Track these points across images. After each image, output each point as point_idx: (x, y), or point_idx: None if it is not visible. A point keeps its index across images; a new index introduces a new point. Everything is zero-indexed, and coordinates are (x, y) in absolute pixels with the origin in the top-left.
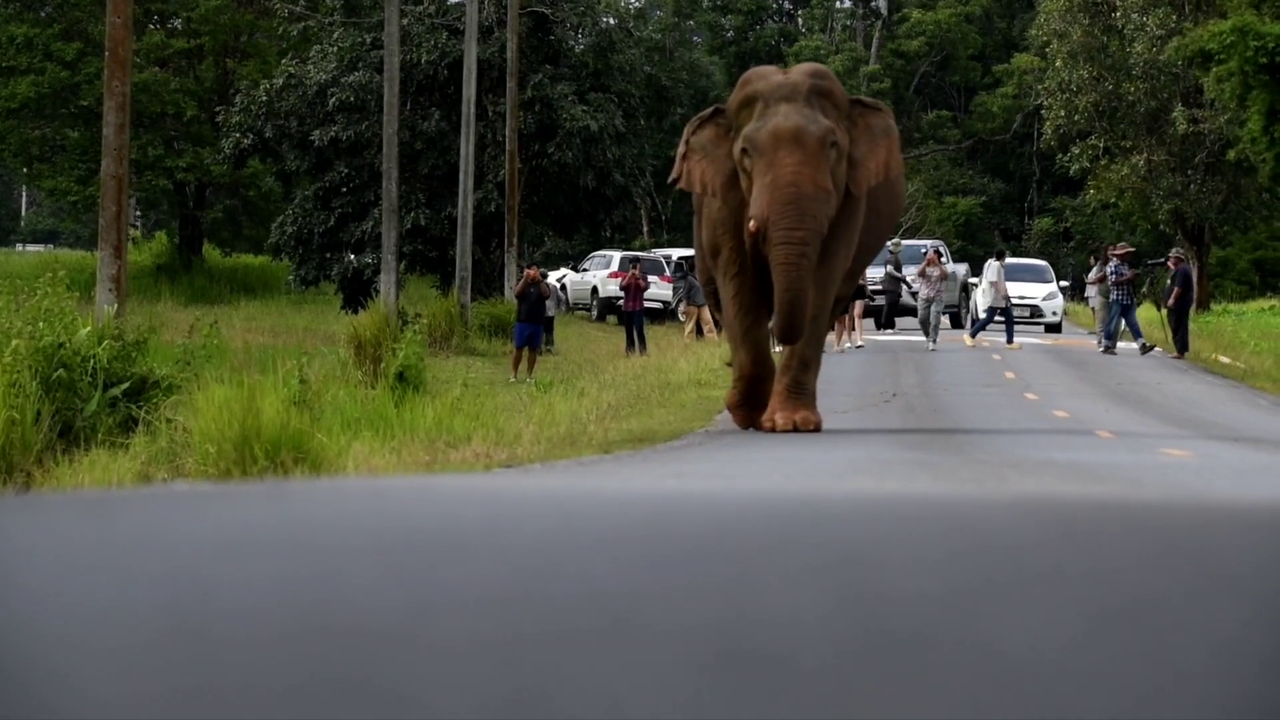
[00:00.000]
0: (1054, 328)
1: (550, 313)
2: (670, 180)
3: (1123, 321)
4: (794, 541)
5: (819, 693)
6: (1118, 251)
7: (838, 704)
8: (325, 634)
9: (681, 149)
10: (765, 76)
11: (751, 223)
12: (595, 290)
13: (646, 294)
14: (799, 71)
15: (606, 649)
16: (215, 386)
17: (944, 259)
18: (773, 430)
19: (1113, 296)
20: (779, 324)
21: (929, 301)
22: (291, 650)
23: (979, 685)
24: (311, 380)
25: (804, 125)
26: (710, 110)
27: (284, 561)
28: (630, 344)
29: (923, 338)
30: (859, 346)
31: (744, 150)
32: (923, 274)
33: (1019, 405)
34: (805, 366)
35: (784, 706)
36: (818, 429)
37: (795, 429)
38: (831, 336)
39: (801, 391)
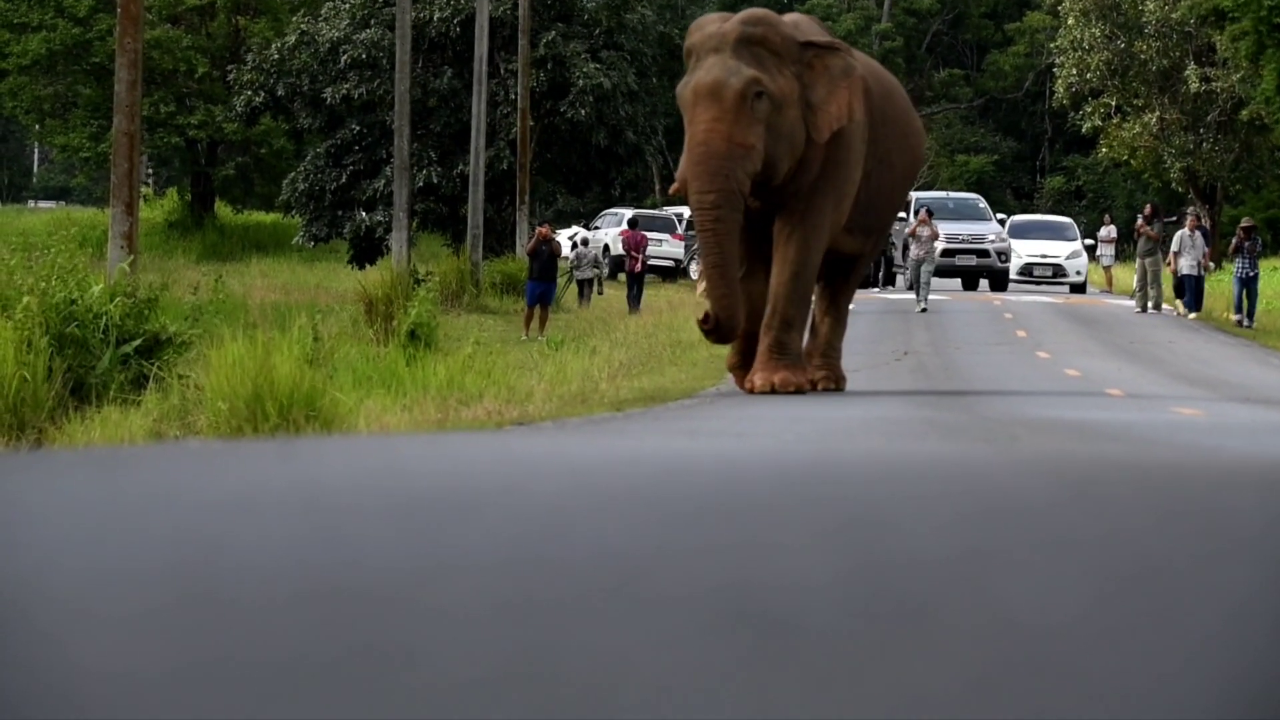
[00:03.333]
0: (1078, 288)
1: (588, 275)
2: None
3: (1243, 290)
4: (804, 502)
5: (828, 656)
6: (1244, 225)
7: (846, 667)
8: (335, 595)
9: None
10: (702, 27)
11: (674, 185)
12: (607, 248)
13: (660, 252)
14: (733, 20)
15: (615, 610)
16: (228, 343)
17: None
18: (751, 392)
19: (1238, 269)
20: (708, 283)
21: (919, 261)
22: (300, 613)
23: (988, 649)
24: (324, 338)
25: (722, 78)
26: None
27: (295, 521)
28: (635, 303)
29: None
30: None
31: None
32: (914, 234)
33: (1030, 364)
34: (788, 326)
35: (792, 669)
36: (799, 390)
37: (773, 390)
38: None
39: (783, 351)
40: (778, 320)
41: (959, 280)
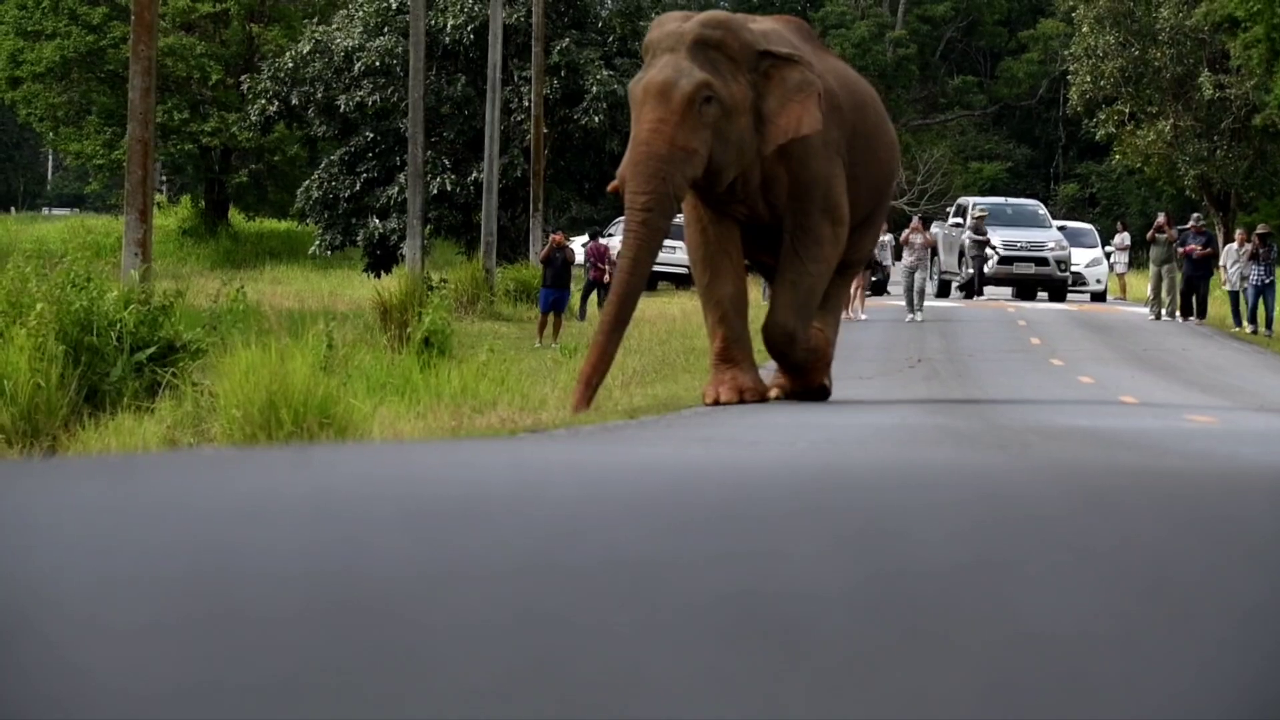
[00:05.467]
0: (1098, 296)
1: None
2: None
3: (1258, 297)
4: (819, 510)
5: (842, 663)
6: (1260, 232)
7: (860, 674)
8: (348, 603)
9: None
10: (663, 24)
11: (613, 182)
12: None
13: (673, 260)
14: (693, 20)
15: (629, 617)
16: (242, 350)
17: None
18: (741, 400)
19: (1254, 277)
20: (609, 298)
21: (912, 270)
22: (314, 620)
23: (1002, 656)
24: (338, 345)
25: (674, 79)
26: None
27: (309, 529)
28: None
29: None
30: (861, 319)
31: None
32: (905, 241)
33: (1044, 371)
34: (790, 340)
35: (806, 676)
36: (785, 393)
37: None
38: None
39: (779, 360)
40: (780, 334)
41: (1011, 289)
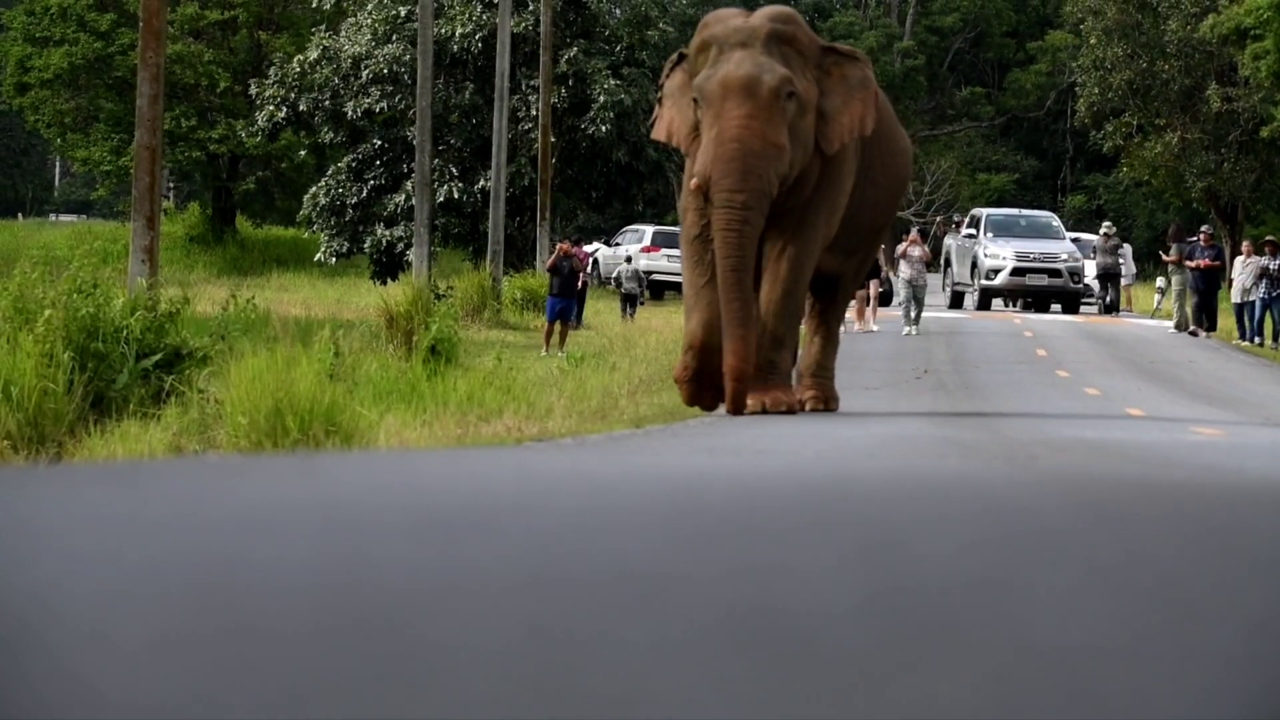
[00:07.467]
0: (1108, 308)
1: (634, 289)
2: (648, 131)
3: (1265, 312)
4: (825, 522)
5: (848, 677)
6: (1267, 243)
7: (867, 688)
8: (354, 614)
9: (659, 95)
10: (723, 20)
11: (694, 180)
12: (629, 261)
13: (678, 268)
14: (760, 15)
15: (635, 629)
16: (249, 358)
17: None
18: (739, 413)
19: (1261, 291)
20: (722, 300)
21: (910, 283)
22: (320, 632)
23: (1009, 670)
24: (344, 352)
25: (756, 74)
26: (678, 54)
27: (314, 537)
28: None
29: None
30: (873, 330)
31: (695, 100)
32: (904, 255)
33: (1050, 382)
34: (777, 344)
35: (813, 690)
36: (791, 410)
37: (764, 411)
38: (852, 314)
39: (772, 370)
40: (768, 338)
41: (1021, 302)
